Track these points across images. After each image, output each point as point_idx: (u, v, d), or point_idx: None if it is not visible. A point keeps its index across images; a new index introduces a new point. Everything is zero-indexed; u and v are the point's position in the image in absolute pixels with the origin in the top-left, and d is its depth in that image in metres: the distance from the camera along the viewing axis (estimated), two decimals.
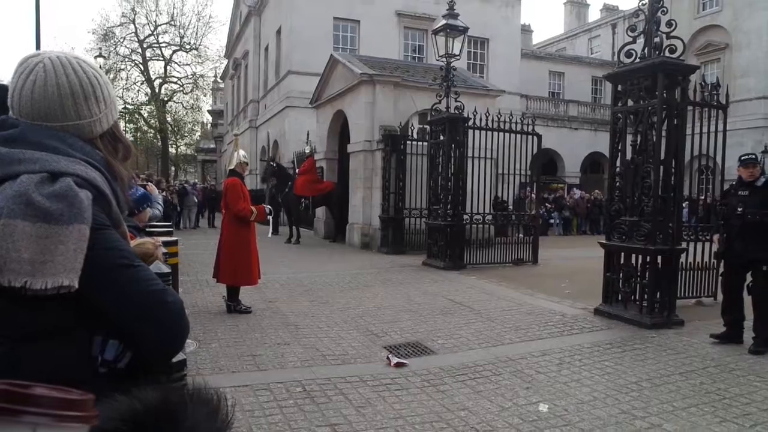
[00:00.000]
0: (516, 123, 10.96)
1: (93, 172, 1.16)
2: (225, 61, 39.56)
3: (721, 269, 5.93)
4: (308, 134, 17.25)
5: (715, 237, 5.78)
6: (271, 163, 16.99)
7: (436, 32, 11.26)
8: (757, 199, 5.29)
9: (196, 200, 21.28)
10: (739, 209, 5.36)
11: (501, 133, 10.81)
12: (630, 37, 6.50)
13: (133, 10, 33.87)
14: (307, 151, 16.01)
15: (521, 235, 12.01)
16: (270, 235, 11.97)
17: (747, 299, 5.43)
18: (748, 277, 5.41)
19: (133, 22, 34.19)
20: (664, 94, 6.08)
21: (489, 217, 11.54)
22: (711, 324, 5.92)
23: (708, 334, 5.64)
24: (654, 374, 4.54)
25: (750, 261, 5.30)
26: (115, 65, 33.88)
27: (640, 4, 6.36)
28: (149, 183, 5.76)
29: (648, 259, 6.16)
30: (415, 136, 12.94)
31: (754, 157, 5.51)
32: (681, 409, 3.80)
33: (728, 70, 26.74)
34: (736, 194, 5.54)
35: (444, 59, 10.92)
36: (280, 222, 17.25)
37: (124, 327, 1.15)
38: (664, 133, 6.15)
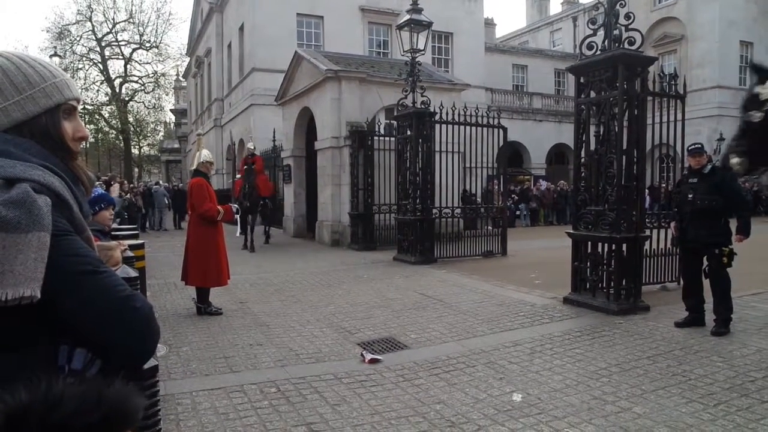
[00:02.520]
0: (482, 116, 11.05)
1: (51, 177, 1.12)
2: (187, 59, 38.85)
3: (680, 255, 6.10)
4: (274, 132, 17.07)
5: (672, 224, 5.96)
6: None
7: (400, 27, 11.26)
8: (705, 186, 5.49)
9: (167, 201, 20.84)
10: (690, 196, 5.56)
11: (467, 127, 10.88)
12: (591, 29, 6.61)
13: (89, 7, 32.95)
14: (251, 147, 14.40)
15: (490, 228, 12.13)
16: (238, 234, 11.85)
17: (707, 283, 5.60)
18: (705, 261, 5.59)
19: (90, 19, 33.28)
20: (625, 85, 6.21)
21: (458, 210, 11.63)
22: (675, 308, 6.08)
23: (672, 318, 5.80)
24: (623, 359, 4.65)
25: (703, 245, 5.49)
26: (72, 64, 32.94)
27: None
28: (112, 183, 5.63)
29: (614, 247, 6.29)
30: (382, 131, 12.93)
31: (699, 146, 5.74)
32: (649, 392, 3.90)
33: (684, 61, 27.50)
34: (687, 182, 5.76)
35: (409, 54, 10.93)
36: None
37: (91, 335, 1.11)
38: (626, 124, 6.29)
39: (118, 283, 1.15)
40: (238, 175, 14.41)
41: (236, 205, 7.90)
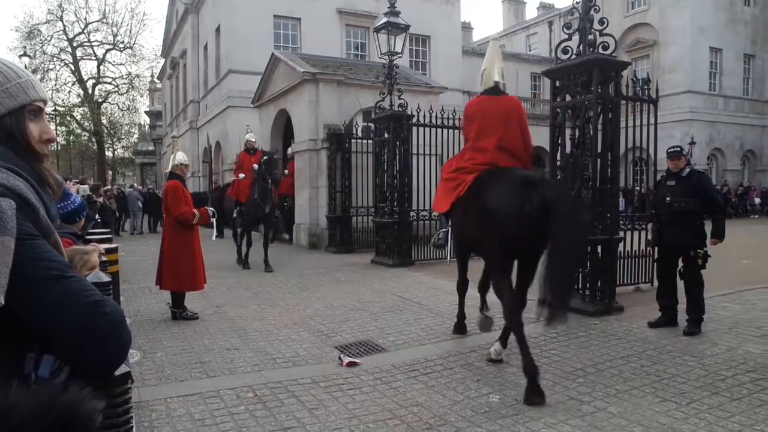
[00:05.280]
0: (459, 119, 11.09)
1: (16, 180, 1.09)
2: (162, 61, 38.34)
3: (656, 256, 6.21)
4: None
5: (650, 226, 6.04)
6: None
7: (377, 30, 11.26)
8: (682, 189, 5.57)
9: (141, 205, 20.51)
10: (668, 198, 5.64)
11: (445, 130, 10.93)
12: (566, 34, 6.70)
13: (60, 6, 32.25)
14: (252, 138, 12.49)
15: None
16: (214, 238, 11.67)
17: (680, 284, 5.70)
18: (681, 263, 5.69)
19: (61, 19, 32.58)
20: (599, 89, 6.30)
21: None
22: (649, 309, 6.18)
23: (646, 319, 5.89)
24: (598, 360, 4.71)
25: (680, 247, 5.58)
26: (43, 65, 32.25)
27: (574, 2, 6.58)
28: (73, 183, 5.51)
29: (589, 249, 6.37)
30: (359, 134, 12.91)
31: (678, 149, 5.81)
32: (624, 392, 3.96)
33: (657, 66, 28.03)
34: (665, 184, 5.84)
35: (386, 57, 10.95)
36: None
37: (59, 342, 1.08)
38: (600, 127, 6.38)
39: (86, 288, 1.12)
40: (242, 175, 11.42)
41: (212, 209, 7.75)
